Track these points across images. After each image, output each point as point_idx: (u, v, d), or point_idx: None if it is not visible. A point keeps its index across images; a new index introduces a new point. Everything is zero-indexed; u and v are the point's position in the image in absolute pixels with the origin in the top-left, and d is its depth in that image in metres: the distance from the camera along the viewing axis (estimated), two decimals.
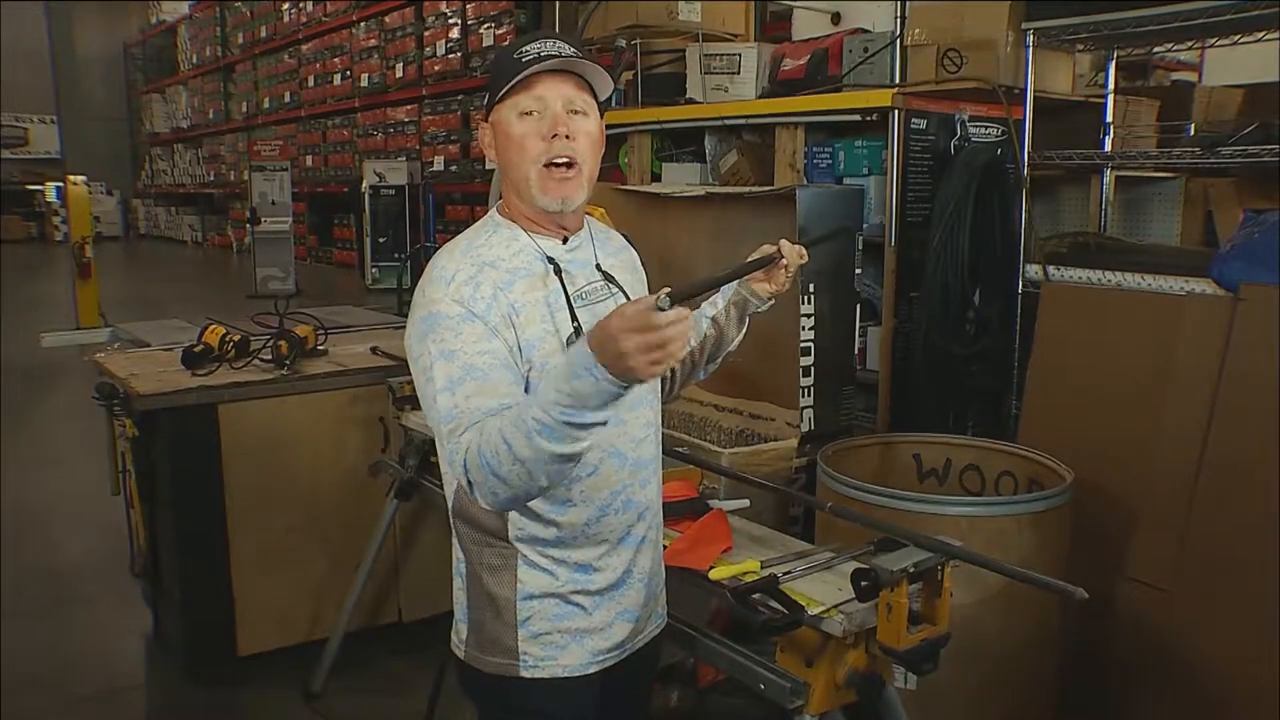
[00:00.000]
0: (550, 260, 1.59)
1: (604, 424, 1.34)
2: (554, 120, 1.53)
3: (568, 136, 1.53)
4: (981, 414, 3.38)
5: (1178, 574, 2.65)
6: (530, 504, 1.58)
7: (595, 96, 1.59)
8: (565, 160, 1.54)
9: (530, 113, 1.53)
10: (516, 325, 1.52)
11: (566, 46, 1.55)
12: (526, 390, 1.51)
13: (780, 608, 1.75)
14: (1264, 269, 2.59)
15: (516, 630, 1.63)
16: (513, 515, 1.61)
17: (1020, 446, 2.83)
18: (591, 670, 1.67)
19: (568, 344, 1.54)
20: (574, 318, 1.56)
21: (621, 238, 1.84)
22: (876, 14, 3.80)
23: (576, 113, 1.55)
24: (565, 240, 1.63)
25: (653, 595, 1.76)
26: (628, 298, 1.65)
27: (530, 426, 1.32)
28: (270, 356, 3.37)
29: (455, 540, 1.70)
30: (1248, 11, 2.72)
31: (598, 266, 1.66)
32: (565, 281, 1.59)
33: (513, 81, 1.52)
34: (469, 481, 1.42)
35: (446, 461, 1.49)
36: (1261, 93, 3.85)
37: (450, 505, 1.68)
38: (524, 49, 1.54)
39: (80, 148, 22.17)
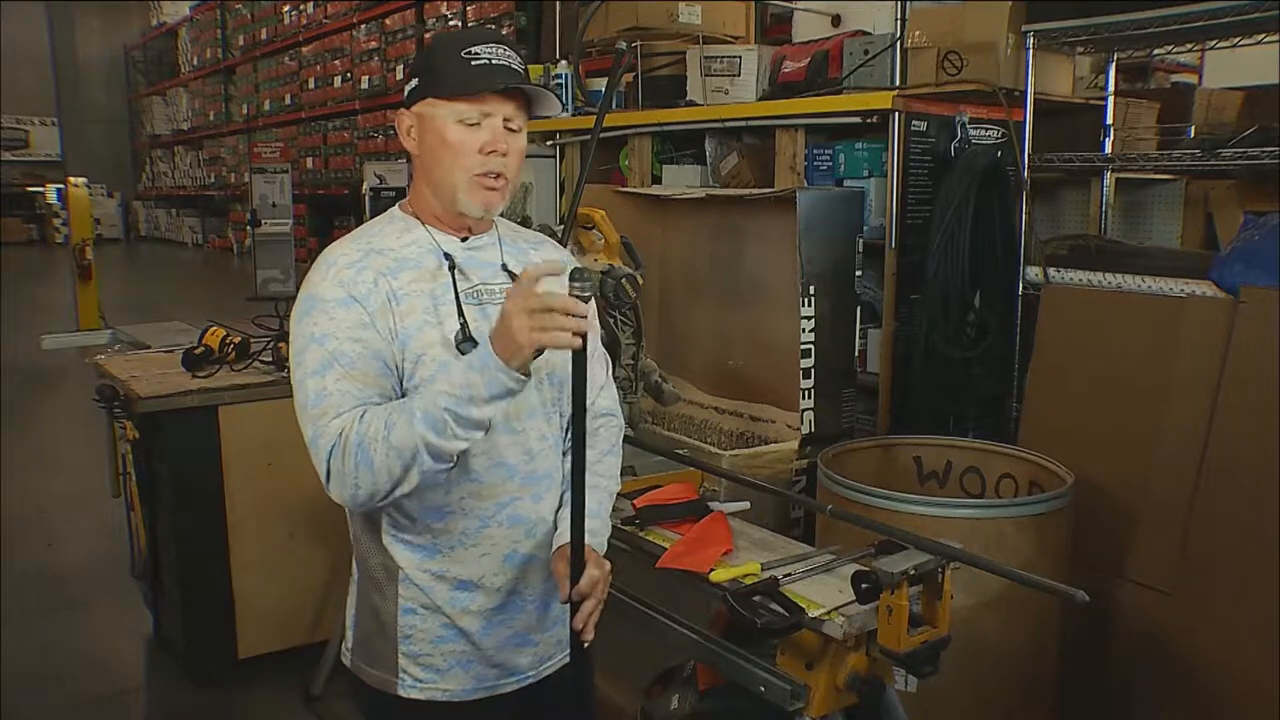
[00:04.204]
0: (446, 256, 1.57)
1: (484, 430, 1.39)
2: (494, 137, 1.52)
3: (503, 154, 1.53)
4: (982, 416, 3.38)
5: (1178, 576, 2.65)
6: (407, 508, 1.55)
7: (529, 111, 1.58)
8: (495, 173, 1.54)
9: (472, 123, 1.52)
10: (396, 312, 1.50)
11: (515, 58, 1.53)
12: (400, 381, 1.50)
13: (781, 610, 1.75)
14: (1264, 272, 2.59)
15: (397, 647, 1.60)
16: (386, 520, 1.58)
17: (1021, 449, 2.83)
18: (480, 696, 1.62)
19: (455, 340, 1.51)
20: (460, 314, 1.53)
21: (547, 244, 1.77)
22: (877, 16, 3.80)
23: (512, 130, 1.55)
24: (465, 239, 1.61)
25: (558, 620, 1.68)
26: None
27: (415, 413, 1.37)
28: (271, 359, 3.37)
29: (353, 545, 1.67)
30: (1248, 14, 2.73)
31: (504, 267, 1.62)
32: (456, 278, 1.56)
33: (465, 92, 1.50)
34: (328, 470, 1.43)
35: (309, 445, 1.47)
36: (1261, 95, 3.85)
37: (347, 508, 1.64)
38: (474, 49, 1.51)
39: (81, 150, 22.16)
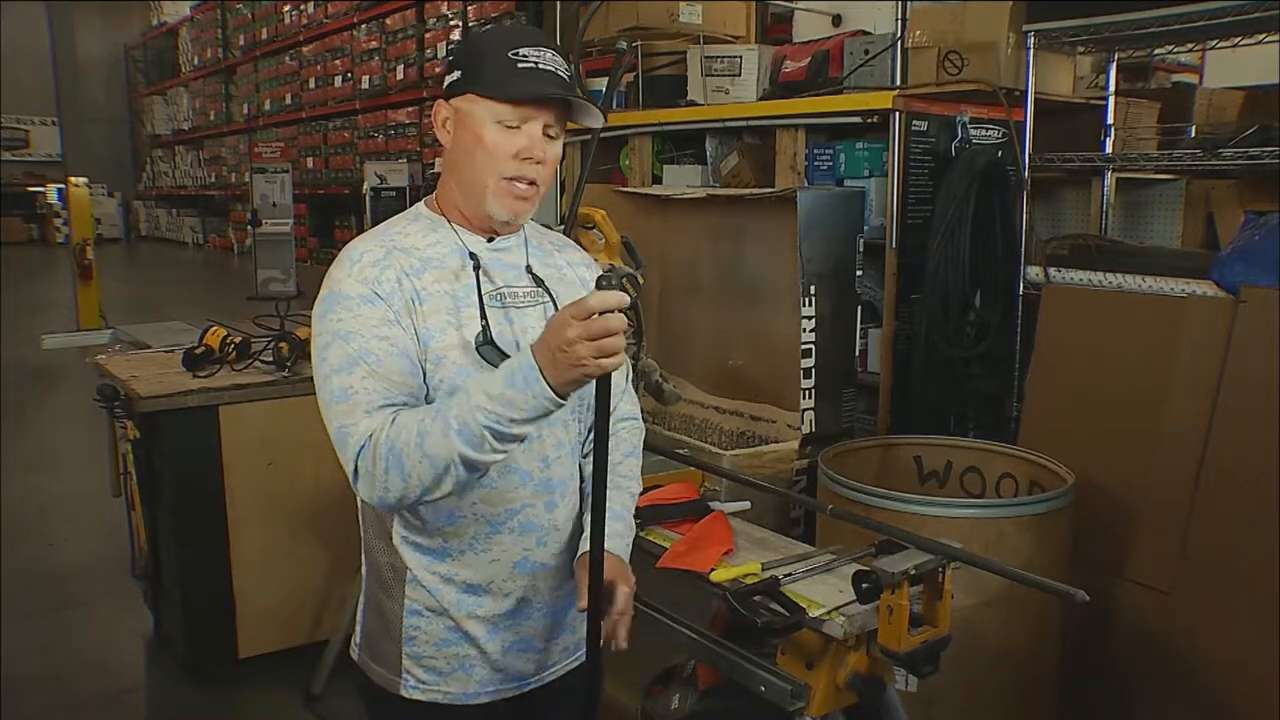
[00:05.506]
0: (472, 256, 1.54)
1: (521, 440, 1.36)
2: (532, 143, 1.49)
3: (538, 161, 1.50)
4: (982, 416, 3.38)
5: (1178, 576, 2.65)
6: (419, 510, 1.53)
7: (568, 119, 1.54)
8: (528, 180, 1.51)
9: (511, 126, 1.48)
10: (417, 313, 1.47)
11: (561, 63, 1.50)
12: (424, 380, 1.47)
13: (781, 610, 1.75)
14: (1264, 271, 2.59)
15: (401, 647, 1.60)
16: (397, 520, 1.57)
17: (1021, 448, 2.83)
18: (482, 700, 1.61)
19: (475, 343, 1.48)
20: (483, 314, 1.49)
21: (570, 247, 1.75)
22: (877, 16, 3.80)
23: (550, 137, 1.52)
24: (491, 240, 1.57)
25: (566, 627, 1.67)
26: (558, 308, 1.50)
27: (450, 424, 1.33)
28: (271, 358, 3.37)
29: (363, 541, 1.67)
30: (1248, 14, 2.73)
31: (528, 269, 1.59)
32: (480, 279, 1.52)
33: (510, 94, 1.46)
34: (356, 469, 1.40)
35: (336, 442, 1.44)
36: (1262, 95, 3.84)
37: (359, 504, 1.64)
38: (521, 51, 1.47)
39: (81, 150, 22.17)
